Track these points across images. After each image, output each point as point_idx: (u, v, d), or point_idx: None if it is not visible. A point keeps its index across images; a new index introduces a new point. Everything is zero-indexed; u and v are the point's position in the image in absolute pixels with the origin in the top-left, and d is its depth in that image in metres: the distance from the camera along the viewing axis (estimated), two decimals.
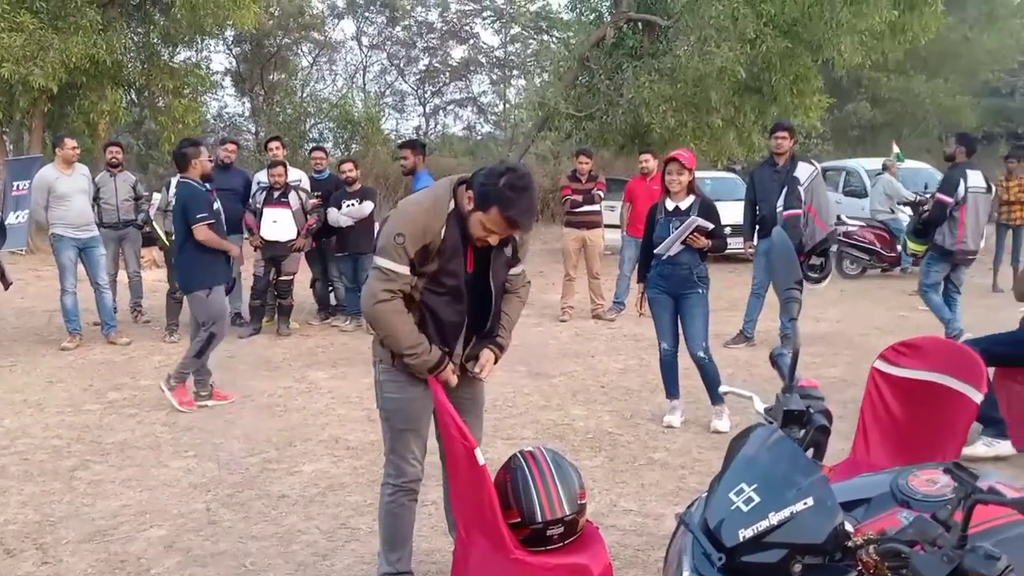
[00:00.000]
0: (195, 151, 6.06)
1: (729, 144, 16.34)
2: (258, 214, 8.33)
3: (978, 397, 3.09)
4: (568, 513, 2.75)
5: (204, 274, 5.98)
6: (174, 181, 7.98)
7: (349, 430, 5.51)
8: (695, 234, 5.28)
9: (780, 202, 7.43)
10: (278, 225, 8.28)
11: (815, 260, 7.56)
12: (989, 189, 7.55)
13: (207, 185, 6.15)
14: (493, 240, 2.90)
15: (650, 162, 9.33)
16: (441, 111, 34.69)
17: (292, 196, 8.40)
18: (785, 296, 2.08)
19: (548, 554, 2.73)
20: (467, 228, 2.89)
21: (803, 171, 7.51)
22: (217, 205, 6.12)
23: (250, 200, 8.56)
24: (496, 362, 3.18)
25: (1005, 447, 4.82)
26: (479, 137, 33.70)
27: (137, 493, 4.50)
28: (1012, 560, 1.41)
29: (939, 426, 3.20)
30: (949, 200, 7.08)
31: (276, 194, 8.35)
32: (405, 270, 2.87)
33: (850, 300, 10.75)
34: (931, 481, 1.85)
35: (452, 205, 2.89)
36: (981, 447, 4.75)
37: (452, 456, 2.92)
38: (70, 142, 8.09)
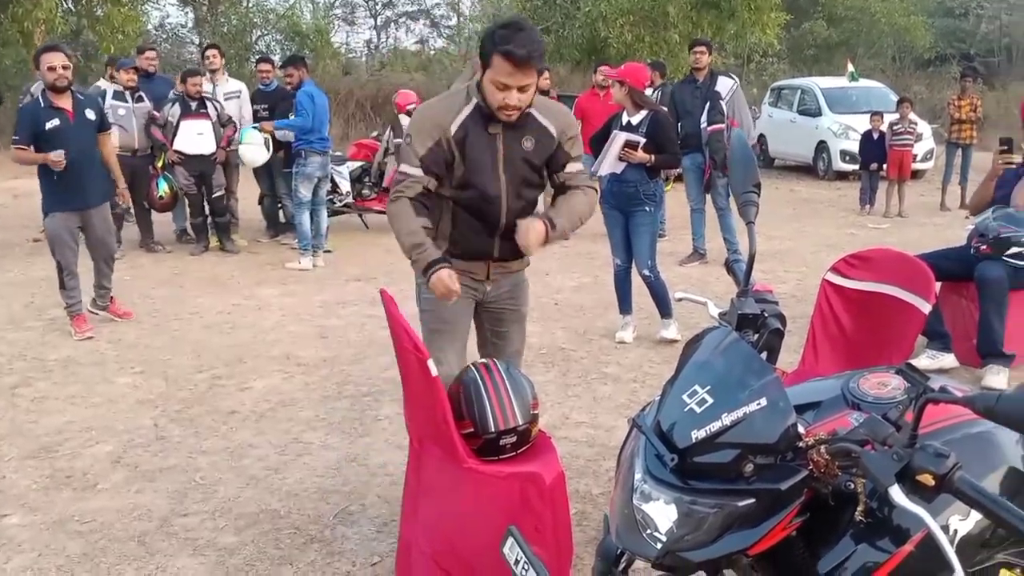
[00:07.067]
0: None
1: (687, 60, 16.10)
2: (175, 127, 7.97)
3: (926, 308, 3.11)
4: (521, 423, 2.74)
5: (45, 197, 5.57)
6: (107, 90, 7.70)
7: (300, 347, 5.45)
8: (627, 149, 5.17)
9: (703, 118, 7.42)
10: (204, 137, 8.00)
11: None
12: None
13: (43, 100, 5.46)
14: (512, 99, 2.73)
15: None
16: (393, 24, 33.76)
17: (209, 107, 8.13)
18: (743, 199, 2.04)
19: (501, 463, 2.72)
20: (490, 115, 2.79)
21: (723, 85, 7.50)
22: (51, 124, 5.37)
23: (161, 112, 8.11)
24: (546, 241, 2.88)
25: (949, 360, 4.95)
26: (432, 52, 32.85)
27: (82, 410, 4.41)
28: (961, 458, 1.42)
29: (887, 336, 3.23)
30: None
31: (194, 105, 8.03)
32: (418, 172, 2.80)
33: (801, 218, 10.84)
34: (882, 384, 1.85)
35: (472, 102, 2.81)
36: (925, 359, 4.86)
37: (405, 368, 2.87)
38: None
